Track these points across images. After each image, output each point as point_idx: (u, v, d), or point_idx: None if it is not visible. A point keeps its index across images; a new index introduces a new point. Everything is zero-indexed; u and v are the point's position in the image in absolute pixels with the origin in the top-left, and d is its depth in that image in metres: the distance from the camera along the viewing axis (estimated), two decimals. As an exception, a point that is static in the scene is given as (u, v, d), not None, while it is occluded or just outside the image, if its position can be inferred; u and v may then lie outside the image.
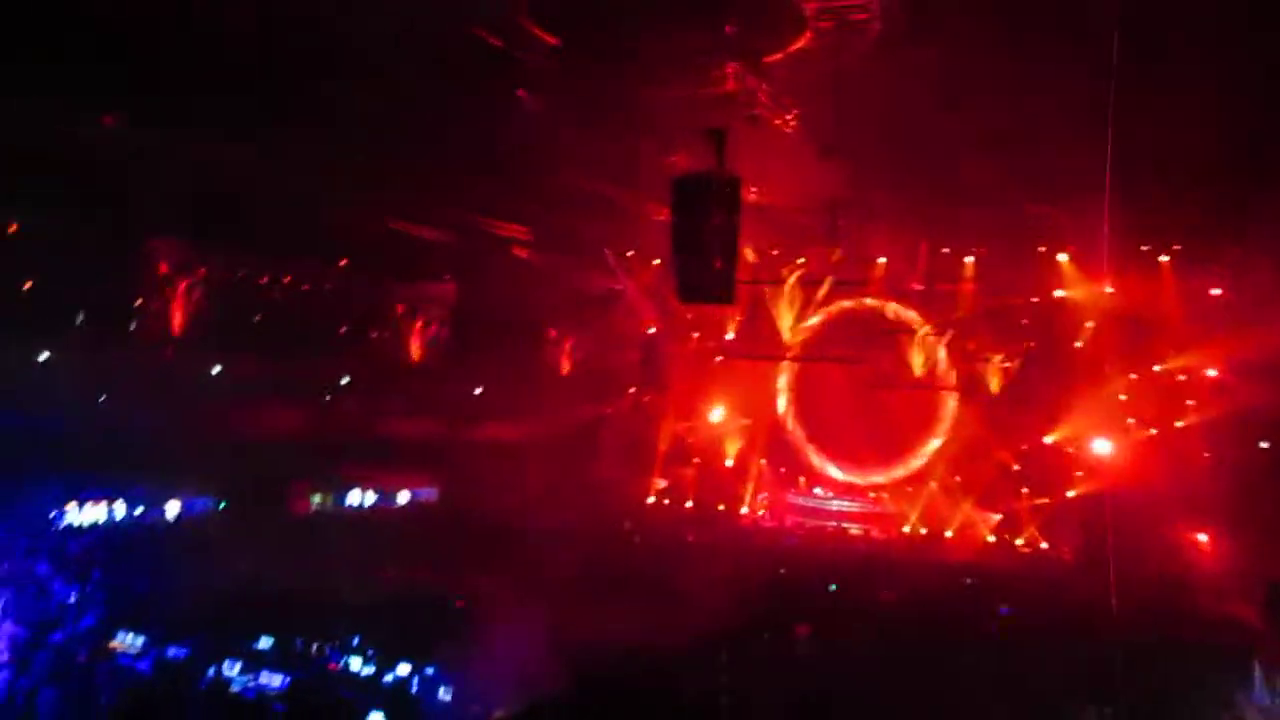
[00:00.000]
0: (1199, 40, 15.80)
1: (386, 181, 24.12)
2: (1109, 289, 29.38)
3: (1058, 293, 30.43)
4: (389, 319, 34.70)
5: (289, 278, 32.32)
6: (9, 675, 12.31)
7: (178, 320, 27.24)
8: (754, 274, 30.57)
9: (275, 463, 29.11)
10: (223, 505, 29.43)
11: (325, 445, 31.23)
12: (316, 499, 32.43)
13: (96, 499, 26.86)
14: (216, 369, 31.26)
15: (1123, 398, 30.03)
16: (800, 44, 17.66)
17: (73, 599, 16.36)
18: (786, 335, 31.75)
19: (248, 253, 29.36)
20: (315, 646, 14.82)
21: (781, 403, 36.73)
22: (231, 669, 13.76)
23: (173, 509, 28.61)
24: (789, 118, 19.53)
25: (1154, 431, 29.46)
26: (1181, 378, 28.84)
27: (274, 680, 13.55)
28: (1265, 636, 16.53)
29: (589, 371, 37.10)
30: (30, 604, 15.60)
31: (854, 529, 34.44)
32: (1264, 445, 26.86)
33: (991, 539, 32.48)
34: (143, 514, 27.77)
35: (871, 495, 35.50)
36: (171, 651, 14.22)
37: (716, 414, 37.93)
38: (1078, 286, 29.69)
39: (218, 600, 16.81)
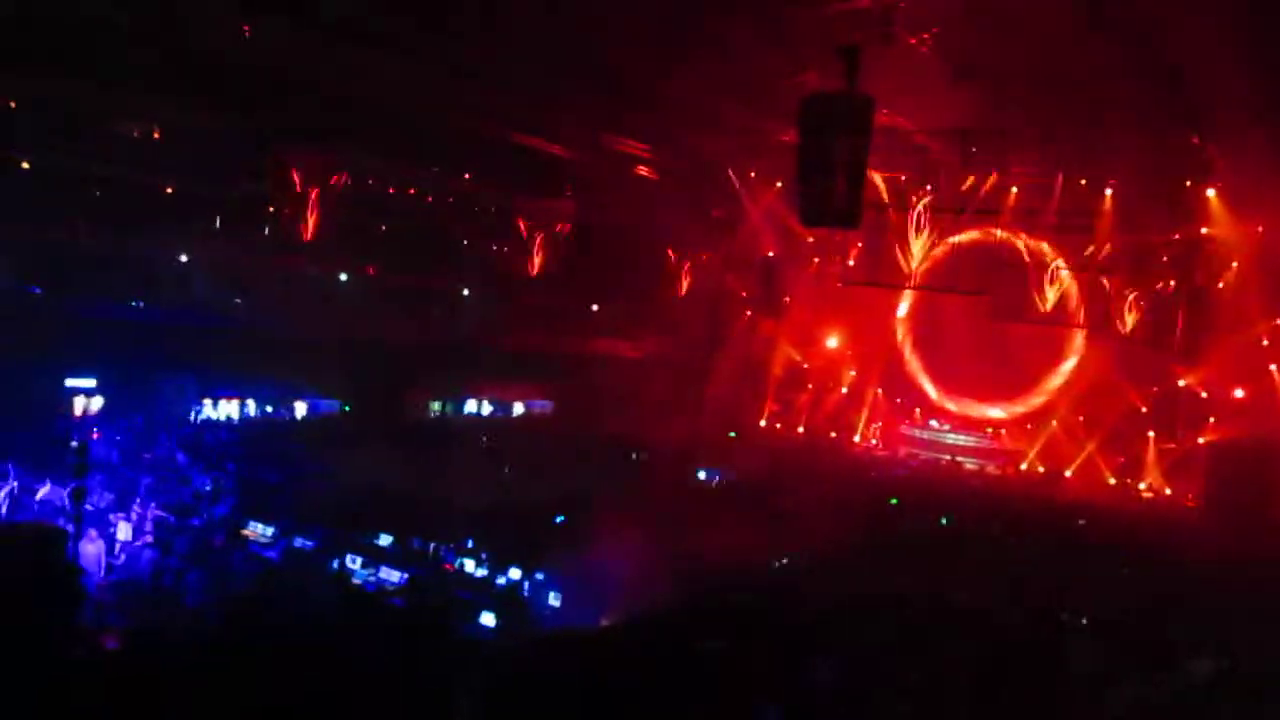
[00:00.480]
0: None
1: (511, 94, 24.18)
2: (1259, 228, 27.76)
3: (1202, 230, 28.85)
4: (510, 232, 35.08)
5: (414, 189, 32.91)
6: (157, 554, 13.12)
7: (308, 227, 28.03)
8: (879, 199, 29.81)
9: (397, 369, 29.99)
10: (347, 408, 30.56)
11: (445, 354, 32.00)
12: (436, 406, 33.41)
13: (229, 396, 28.15)
14: (343, 276, 32.22)
15: (1265, 343, 28.59)
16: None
17: (209, 488, 17.27)
18: (910, 264, 30.98)
19: (376, 162, 29.93)
20: (432, 547, 15.34)
21: (900, 332, 36.12)
22: (354, 563, 14.37)
23: (300, 409, 29.84)
24: (925, 36, 18.78)
25: (1297, 381, 28.08)
26: (1332, 325, 27.29)
27: (393, 576, 14.11)
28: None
29: (707, 292, 36.98)
30: (172, 490, 16.55)
31: (969, 463, 33.90)
32: None
33: (1113, 481, 31.62)
34: (272, 412, 29.05)
35: (989, 430, 34.84)
36: (299, 542, 14.91)
37: (833, 340, 37.54)
38: (1225, 224, 28.07)
39: (341, 497, 17.53)
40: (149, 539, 14.42)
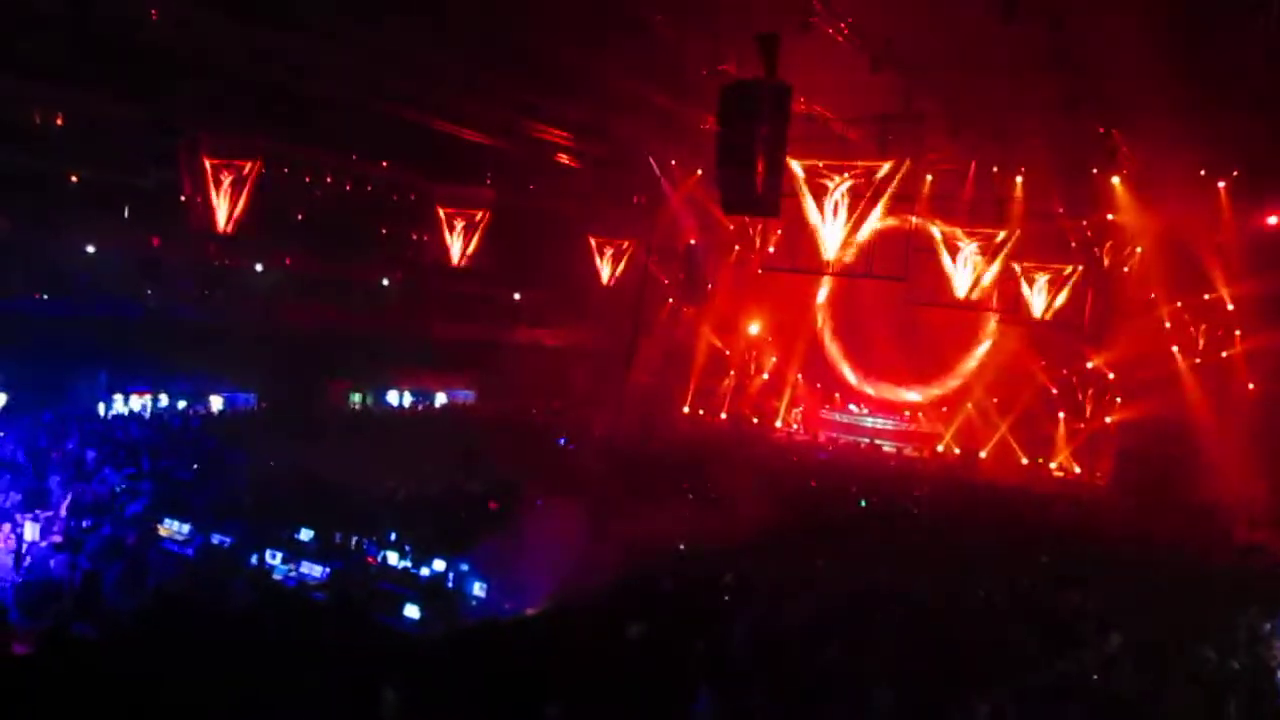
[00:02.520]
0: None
1: (430, 80, 23.90)
2: (1162, 215, 28.71)
3: (1109, 216, 29.76)
4: (430, 221, 34.71)
5: (331, 177, 32.37)
6: (67, 555, 12.71)
7: (222, 216, 27.38)
8: (797, 186, 30.11)
9: (316, 361, 29.53)
10: (263, 402, 30.00)
11: (365, 345, 31.58)
12: (356, 397, 32.97)
13: (142, 390, 27.44)
14: (259, 266, 31.59)
15: (1168, 325, 29.62)
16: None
17: (121, 485, 16.80)
18: (828, 250, 31.35)
19: (291, 150, 29.37)
20: (354, 540, 15.16)
21: (820, 318, 36.60)
22: (273, 558, 14.11)
23: (216, 403, 29.21)
24: (842, 25, 19.00)
25: (1198, 360, 29.11)
26: (1230, 307, 28.32)
27: (314, 570, 13.88)
28: (1296, 568, 16.53)
29: (629, 280, 37.07)
30: (82, 488, 16.06)
31: (888, 446, 34.57)
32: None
33: (1025, 461, 32.49)
34: (187, 406, 28.39)
35: (907, 414, 35.54)
36: (216, 539, 14.59)
37: (755, 327, 37.91)
38: (1129, 211, 28.99)
39: (259, 492, 17.21)
40: (58, 539, 13.98)
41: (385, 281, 35.68)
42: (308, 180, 31.57)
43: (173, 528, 15.09)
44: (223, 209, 27.25)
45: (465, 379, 36.01)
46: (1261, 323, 27.37)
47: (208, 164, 26.91)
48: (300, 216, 32.05)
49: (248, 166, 27.22)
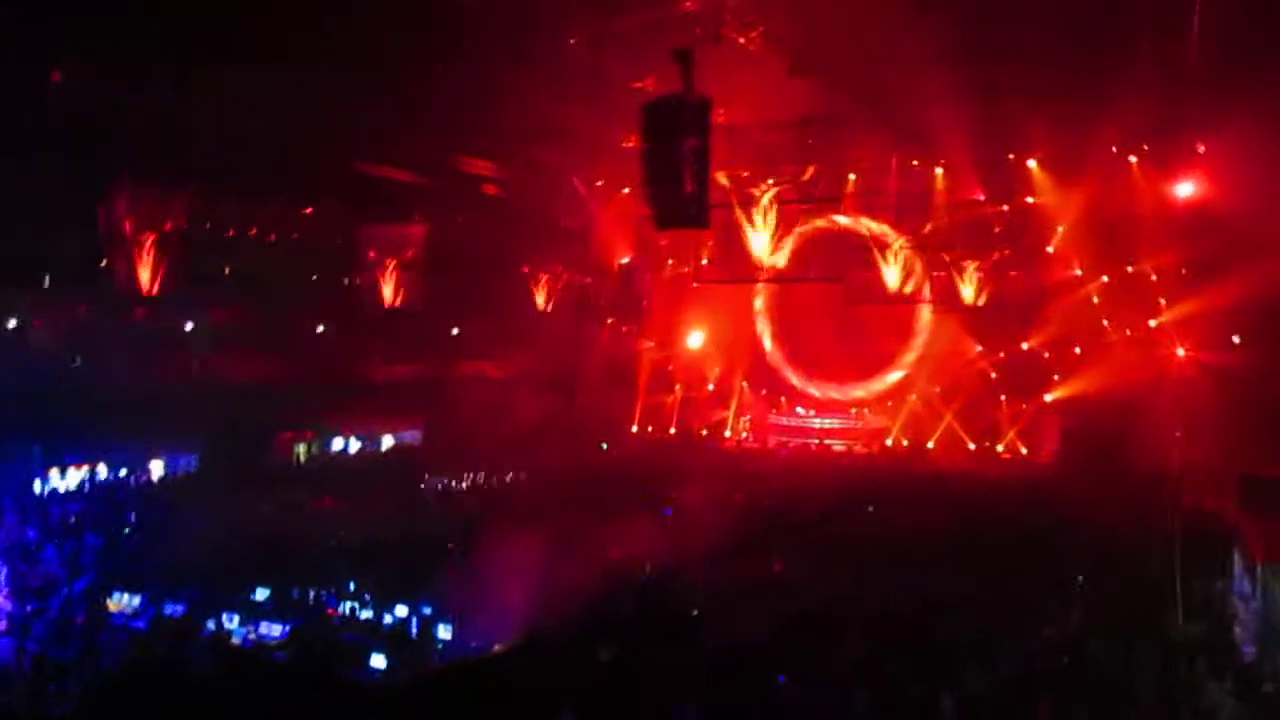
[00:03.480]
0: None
1: (349, 121, 23.65)
2: (1079, 192, 29.36)
3: (1028, 199, 30.38)
4: (360, 263, 34.32)
5: (255, 228, 31.85)
6: (13, 641, 12.30)
7: (146, 277, 26.80)
8: (725, 197, 30.31)
9: (256, 416, 28.98)
10: (206, 464, 29.32)
11: (305, 395, 31.07)
12: (301, 448, 32.39)
13: (78, 463, 26.69)
14: (189, 325, 30.96)
15: (1096, 300, 30.25)
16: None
17: (64, 563, 16.34)
18: (761, 257, 31.57)
19: (212, 204, 28.86)
20: (312, 594, 14.90)
21: (759, 325, 36.81)
22: (230, 621, 13.82)
23: (157, 468, 28.52)
24: (753, 35, 19.23)
25: (1128, 332, 29.75)
26: (1154, 277, 28.99)
27: (274, 630, 13.62)
28: (1242, 528, 16.86)
29: (567, 303, 36.99)
30: (23, 570, 15.58)
31: (837, 445, 34.84)
32: (1236, 340, 27.13)
33: (973, 447, 32.91)
34: (127, 475, 27.67)
35: (853, 411, 35.85)
36: (168, 608, 14.24)
37: (695, 340, 38.01)
38: (1048, 192, 29.64)
39: (210, 555, 16.83)
40: (1, 625, 13.54)
41: (320, 328, 35.16)
42: (232, 233, 31.03)
43: (122, 601, 14.70)
44: (146, 270, 26.68)
45: (411, 419, 35.59)
46: (1184, 290, 28.04)
47: (129, 225, 26.34)
48: (227, 270, 31.47)
49: (168, 225, 26.68)
